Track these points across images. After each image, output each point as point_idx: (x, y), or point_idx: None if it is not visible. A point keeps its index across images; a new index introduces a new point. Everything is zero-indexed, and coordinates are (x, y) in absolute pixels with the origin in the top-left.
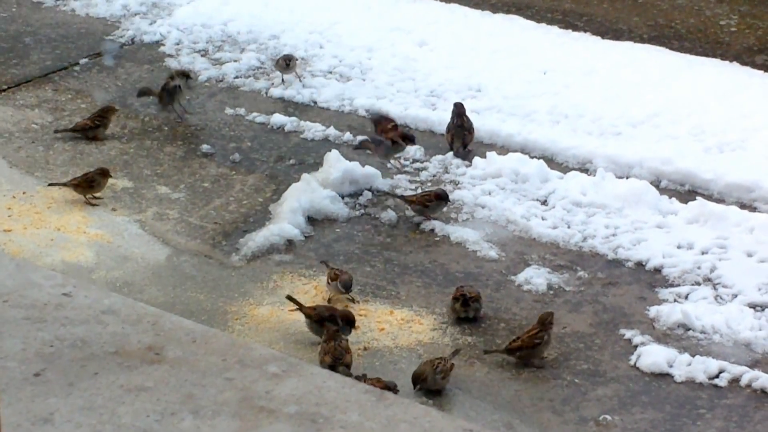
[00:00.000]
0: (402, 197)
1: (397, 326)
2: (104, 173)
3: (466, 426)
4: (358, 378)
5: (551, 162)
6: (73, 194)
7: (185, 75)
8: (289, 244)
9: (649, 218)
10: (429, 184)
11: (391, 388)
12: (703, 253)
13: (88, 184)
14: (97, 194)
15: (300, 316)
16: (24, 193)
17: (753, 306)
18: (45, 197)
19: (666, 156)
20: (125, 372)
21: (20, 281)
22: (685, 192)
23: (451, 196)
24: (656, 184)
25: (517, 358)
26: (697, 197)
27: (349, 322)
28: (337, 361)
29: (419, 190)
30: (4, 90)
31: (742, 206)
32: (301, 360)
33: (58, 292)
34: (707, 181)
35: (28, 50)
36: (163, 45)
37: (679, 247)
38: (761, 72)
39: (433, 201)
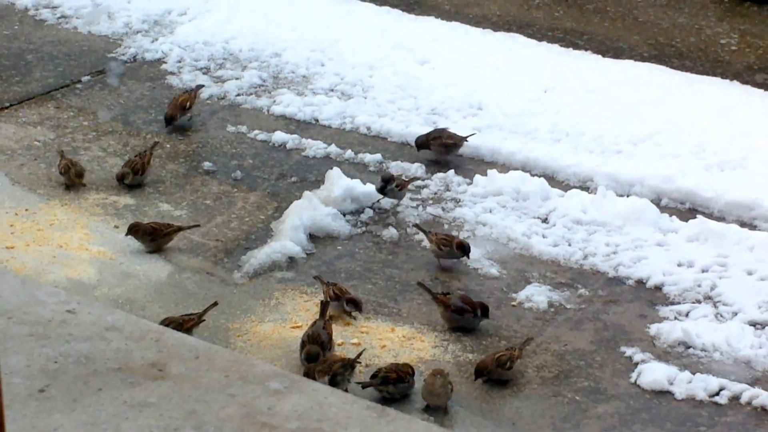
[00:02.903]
0: (424, 230)
1: (398, 343)
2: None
3: None
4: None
5: (552, 180)
6: (76, 212)
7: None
8: (291, 261)
9: (650, 236)
10: (430, 201)
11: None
12: (703, 271)
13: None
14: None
15: (300, 333)
16: (26, 210)
17: (753, 324)
18: (47, 214)
19: (667, 174)
20: (129, 388)
21: (24, 298)
22: (686, 210)
23: (452, 214)
24: (657, 202)
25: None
26: (697, 215)
27: (356, 304)
28: (311, 340)
29: (420, 208)
30: (6, 107)
31: (743, 224)
32: (302, 377)
33: (62, 309)
34: (708, 200)
35: (30, 67)
36: (165, 63)
37: (679, 265)
38: (761, 90)
39: (450, 247)
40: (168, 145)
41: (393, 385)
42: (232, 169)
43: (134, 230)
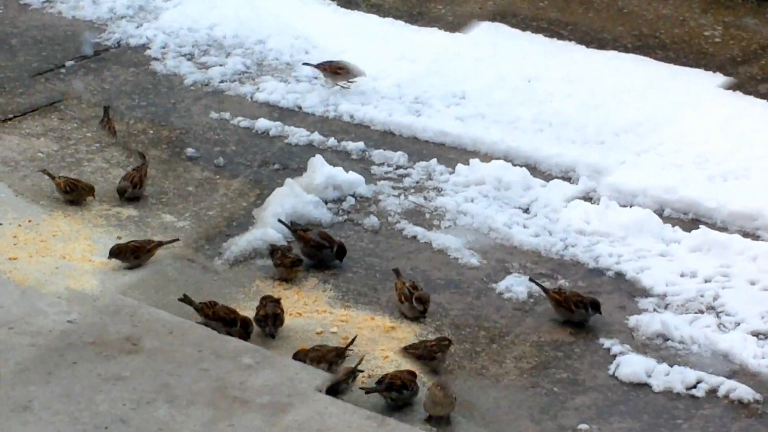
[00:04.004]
0: (544, 288)
1: (378, 332)
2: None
3: None
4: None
5: (534, 170)
6: (79, 223)
7: None
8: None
9: (653, 246)
10: (412, 190)
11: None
12: (706, 282)
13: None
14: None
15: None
16: (30, 221)
17: (756, 334)
18: (50, 225)
19: (670, 184)
20: (103, 361)
21: (26, 308)
22: (689, 220)
23: (433, 203)
24: (660, 212)
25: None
26: (700, 225)
27: (342, 251)
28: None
29: (401, 197)
30: (10, 119)
31: (745, 235)
32: (274, 353)
33: (63, 320)
34: (711, 210)
35: (14, 51)
36: (149, 48)
37: (682, 275)
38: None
39: (584, 308)
40: (151, 132)
41: (397, 392)
42: (215, 156)
43: (116, 253)
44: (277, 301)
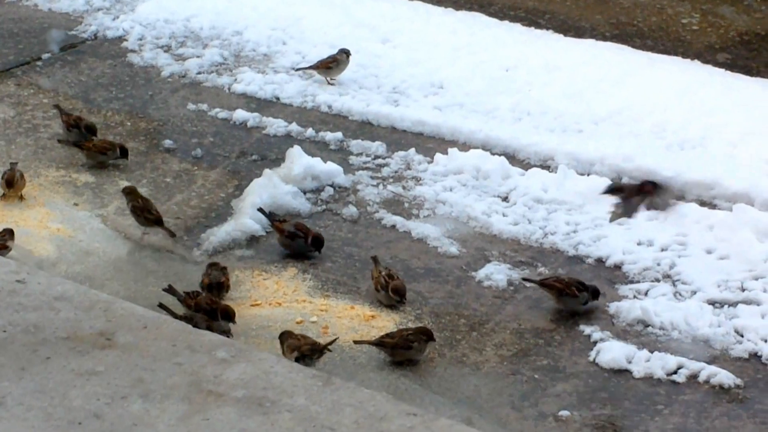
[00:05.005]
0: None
1: (357, 321)
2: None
3: (410, 410)
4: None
5: (513, 159)
6: (35, 189)
7: None
8: (251, 239)
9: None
10: (391, 180)
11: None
12: (662, 250)
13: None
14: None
15: (259, 311)
16: None
17: (712, 303)
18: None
19: (627, 153)
20: (77, 357)
21: None
22: None
23: (412, 192)
24: (617, 181)
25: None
26: None
27: (317, 241)
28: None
29: (380, 187)
30: None
31: (702, 203)
32: (249, 346)
33: (12, 279)
34: (667, 179)
35: None
36: (126, 40)
37: (639, 244)
38: (722, 70)
39: (587, 292)
40: (128, 123)
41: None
42: (193, 147)
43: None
44: (223, 270)
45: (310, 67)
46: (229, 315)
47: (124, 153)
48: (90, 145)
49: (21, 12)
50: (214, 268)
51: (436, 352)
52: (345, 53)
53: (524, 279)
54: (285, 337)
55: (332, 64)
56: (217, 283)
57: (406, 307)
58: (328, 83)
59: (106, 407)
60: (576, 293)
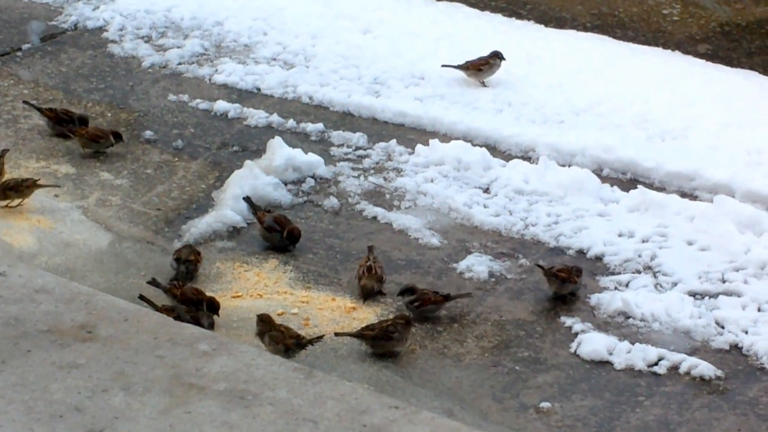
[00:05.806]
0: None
1: (338, 313)
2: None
3: (392, 403)
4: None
5: (494, 150)
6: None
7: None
8: (232, 231)
9: (591, 206)
10: (372, 171)
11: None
12: (643, 242)
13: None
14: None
15: (240, 303)
16: None
17: (693, 294)
18: None
19: (608, 144)
20: (58, 350)
21: None
22: (627, 180)
23: (393, 184)
24: (598, 172)
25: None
26: (638, 186)
27: (291, 236)
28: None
29: (361, 178)
30: None
31: (683, 195)
32: (231, 339)
33: None
34: (648, 170)
35: None
36: (107, 31)
37: (620, 235)
38: (703, 61)
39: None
40: (109, 114)
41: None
42: (174, 138)
43: None
44: (198, 253)
45: (459, 67)
46: (214, 306)
47: (118, 137)
48: (83, 132)
49: (1, 2)
50: (185, 247)
51: (417, 344)
52: (498, 56)
53: (537, 265)
54: (265, 325)
55: (484, 66)
56: (186, 260)
57: (387, 299)
58: (483, 85)
59: (87, 400)
60: (576, 280)
